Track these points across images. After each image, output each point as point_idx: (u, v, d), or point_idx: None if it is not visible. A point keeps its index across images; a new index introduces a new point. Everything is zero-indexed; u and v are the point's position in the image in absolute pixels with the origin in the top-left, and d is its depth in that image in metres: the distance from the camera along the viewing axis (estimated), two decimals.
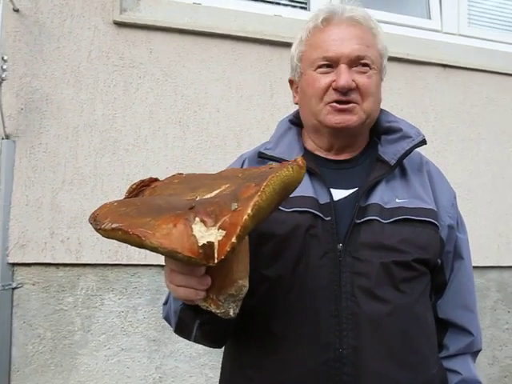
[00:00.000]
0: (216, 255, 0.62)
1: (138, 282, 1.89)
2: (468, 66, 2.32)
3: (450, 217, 1.04)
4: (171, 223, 0.63)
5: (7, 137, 1.73)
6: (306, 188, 0.97)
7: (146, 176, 1.90)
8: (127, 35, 1.87)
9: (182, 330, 0.96)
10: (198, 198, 0.73)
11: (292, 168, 0.71)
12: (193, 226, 0.63)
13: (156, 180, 0.90)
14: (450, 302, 1.05)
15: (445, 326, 1.05)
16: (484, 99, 2.36)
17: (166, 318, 1.03)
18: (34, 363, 1.78)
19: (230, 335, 1.00)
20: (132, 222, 0.65)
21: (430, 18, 2.48)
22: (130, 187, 0.87)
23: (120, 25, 1.86)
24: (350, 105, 0.98)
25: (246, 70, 2.01)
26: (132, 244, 0.65)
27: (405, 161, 1.04)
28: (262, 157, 1.04)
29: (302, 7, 2.32)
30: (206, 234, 0.63)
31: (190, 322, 0.90)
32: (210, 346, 1.05)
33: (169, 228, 0.63)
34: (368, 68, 1.00)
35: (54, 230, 1.78)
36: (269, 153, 1.04)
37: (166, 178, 0.89)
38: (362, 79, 0.98)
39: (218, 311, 0.76)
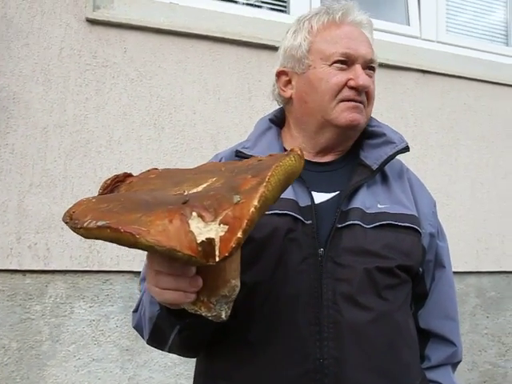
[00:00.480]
0: (218, 253, 0.57)
1: (110, 289, 1.82)
2: (446, 72, 2.33)
3: (430, 225, 1.02)
4: (166, 218, 0.58)
5: None
6: (286, 190, 0.94)
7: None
8: (100, 33, 1.81)
9: (156, 338, 0.90)
10: (185, 193, 0.67)
11: (294, 157, 0.68)
12: (189, 221, 0.58)
13: (130, 175, 0.84)
14: (432, 311, 1.03)
15: (426, 337, 1.03)
16: (462, 105, 2.37)
17: (137, 327, 0.97)
18: None
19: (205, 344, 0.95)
20: (120, 219, 0.59)
21: (408, 25, 2.48)
22: (104, 183, 0.80)
23: (93, 22, 1.80)
24: (361, 105, 0.97)
25: (224, 71, 1.97)
26: (122, 243, 0.59)
27: (386, 167, 1.02)
28: (239, 156, 1.00)
29: (281, 10, 2.29)
30: (205, 229, 0.57)
31: (168, 328, 0.85)
32: (185, 356, 1.00)
33: (164, 224, 0.57)
34: (373, 72, 1.01)
35: (21, 235, 1.70)
36: (247, 152, 1.00)
37: (141, 173, 0.83)
38: (371, 83, 0.99)
39: (209, 314, 0.70)
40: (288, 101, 1.05)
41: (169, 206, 0.61)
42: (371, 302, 0.88)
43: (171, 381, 1.86)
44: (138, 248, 0.59)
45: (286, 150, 1.03)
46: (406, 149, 1.02)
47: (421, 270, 1.00)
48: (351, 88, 0.95)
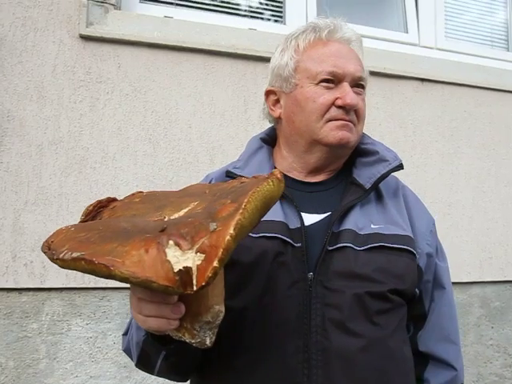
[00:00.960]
0: (195, 282, 0.56)
1: (107, 306, 1.80)
2: (446, 80, 2.30)
3: (428, 244, 0.99)
4: (142, 248, 0.57)
5: None
6: (275, 212, 0.91)
7: (114, 195, 1.82)
8: (94, 49, 1.81)
9: (144, 362, 0.89)
10: (166, 219, 0.66)
11: (272, 182, 0.66)
12: (166, 250, 0.57)
13: (114, 200, 0.83)
14: (431, 334, 1.00)
15: (426, 359, 1.00)
16: (463, 113, 2.33)
17: (126, 350, 0.95)
18: None
19: (195, 369, 0.93)
20: (96, 250, 0.58)
21: (407, 32, 2.46)
22: (86, 209, 0.79)
23: (86, 38, 1.80)
24: (351, 124, 0.95)
25: (219, 84, 1.96)
26: (98, 275, 0.58)
27: (381, 185, 1.00)
28: (230, 176, 0.99)
29: (276, 21, 2.28)
30: (182, 258, 0.56)
31: (155, 353, 0.84)
32: (175, 380, 0.98)
33: (140, 254, 0.56)
34: (363, 90, 0.99)
35: (17, 253, 1.69)
36: (238, 172, 0.99)
37: (126, 197, 0.83)
38: (360, 101, 0.97)
39: (193, 341, 0.69)
40: (278, 120, 1.04)
41: (146, 235, 0.59)
42: (362, 329, 0.86)
43: None
44: (114, 279, 0.57)
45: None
46: (400, 167, 1.00)
47: (417, 291, 0.98)
48: (339, 107, 0.94)
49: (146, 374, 1.80)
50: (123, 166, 1.82)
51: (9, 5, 1.74)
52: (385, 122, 2.19)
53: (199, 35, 1.93)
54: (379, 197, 1.00)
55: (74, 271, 1.80)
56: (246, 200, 0.60)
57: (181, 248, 0.57)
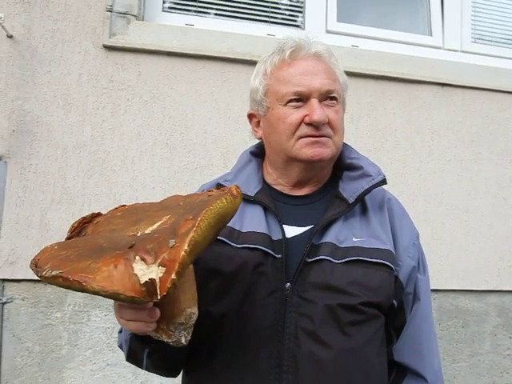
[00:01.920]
0: (159, 291, 0.63)
1: None
2: (468, 85, 2.26)
3: (410, 257, 1.02)
4: (112, 264, 0.65)
5: None
6: (259, 223, 0.97)
7: (133, 196, 1.93)
8: (116, 58, 1.92)
9: (133, 358, 0.97)
10: (139, 234, 0.74)
11: (226, 199, 0.72)
12: (133, 264, 0.64)
13: (99, 215, 0.91)
14: (405, 345, 1.03)
15: (403, 371, 1.02)
16: (485, 118, 2.29)
17: (120, 347, 1.04)
18: (23, 375, 1.85)
19: (183, 365, 1.01)
20: (73, 268, 0.67)
21: (431, 35, 2.42)
22: (72, 226, 0.89)
23: (109, 48, 1.91)
24: (324, 138, 0.97)
25: (234, 91, 2.03)
26: (74, 289, 0.67)
27: (366, 198, 1.03)
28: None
29: (297, 25, 2.31)
30: (147, 271, 0.64)
31: (140, 351, 0.92)
32: (164, 375, 1.05)
33: (109, 270, 0.64)
34: (335, 102, 1.00)
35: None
36: (227, 185, 1.04)
37: (109, 212, 0.90)
38: (332, 114, 0.98)
39: (169, 340, 0.78)
40: (261, 140, 1.09)
41: (116, 251, 0.67)
42: (332, 339, 0.89)
43: None
44: (88, 293, 0.66)
45: (265, 182, 1.07)
46: (383, 182, 1.02)
47: (396, 302, 1.00)
48: (308, 124, 0.96)
49: None
50: (141, 169, 1.93)
51: (40, 18, 1.88)
52: (401, 128, 2.19)
53: (216, 43, 2.01)
54: (364, 210, 1.03)
55: None
56: (199, 218, 0.67)
57: (146, 262, 0.64)
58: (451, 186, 2.22)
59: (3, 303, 1.83)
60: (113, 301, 2.09)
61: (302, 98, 0.97)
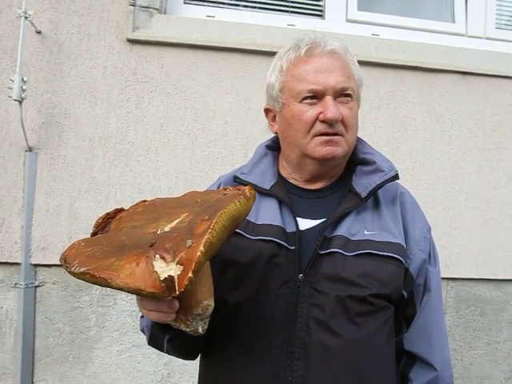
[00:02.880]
0: (177, 287, 0.69)
1: None
2: (490, 73, 2.23)
3: (421, 250, 1.04)
4: (134, 262, 0.71)
5: (30, 149, 1.89)
6: (273, 216, 1.01)
7: (156, 186, 2.00)
8: (139, 52, 1.97)
9: (154, 343, 1.03)
10: (158, 231, 0.80)
11: (239, 202, 0.77)
12: (154, 262, 0.70)
13: (121, 210, 0.97)
14: (415, 335, 1.06)
15: (412, 359, 1.06)
16: (507, 107, 2.26)
17: (142, 331, 1.09)
18: (55, 354, 1.96)
19: (201, 350, 1.07)
20: (98, 265, 0.73)
21: (453, 22, 2.39)
22: (97, 222, 0.95)
23: (133, 42, 1.96)
24: (336, 137, 0.99)
25: (255, 82, 2.06)
26: (99, 285, 0.73)
27: (379, 192, 1.05)
28: (237, 181, 1.08)
29: (317, 15, 2.32)
30: (167, 268, 0.70)
31: (161, 336, 0.97)
32: (183, 358, 1.10)
33: (132, 268, 0.70)
34: (350, 99, 1.01)
35: (72, 235, 1.93)
36: (243, 178, 1.08)
37: (131, 207, 0.96)
38: (346, 111, 1.00)
39: (187, 329, 0.85)
40: (277, 134, 1.12)
41: (138, 250, 0.74)
42: (342, 328, 0.93)
43: None
44: (112, 288, 0.72)
45: (280, 175, 1.10)
46: (395, 177, 1.04)
47: (405, 294, 1.03)
48: (322, 121, 0.98)
49: None
50: (164, 159, 1.99)
51: (66, 14, 1.94)
52: (421, 117, 2.18)
53: (237, 35, 2.03)
54: (376, 204, 1.05)
55: None
56: (214, 221, 0.72)
57: (165, 260, 0.70)
58: (471, 175, 2.22)
59: (36, 287, 1.93)
60: None
61: (316, 96, 0.99)
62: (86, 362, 1.97)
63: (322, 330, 0.93)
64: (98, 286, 1.97)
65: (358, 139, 1.11)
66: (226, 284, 0.99)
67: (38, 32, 1.90)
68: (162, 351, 1.03)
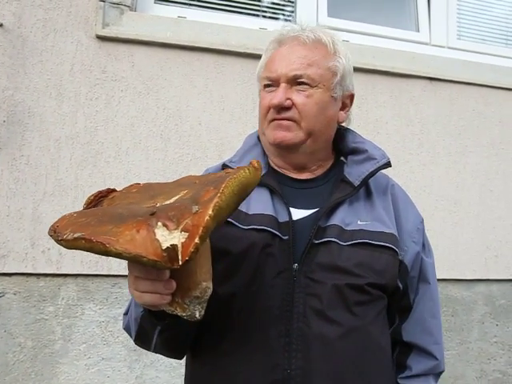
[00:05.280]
0: (180, 257, 0.64)
1: (118, 293, 1.91)
2: (455, 79, 2.31)
3: (414, 242, 1.04)
4: (134, 229, 0.65)
5: None
6: (265, 206, 0.98)
7: None
8: (109, 49, 1.90)
9: (142, 338, 0.97)
10: (158, 205, 0.74)
11: (248, 170, 0.74)
12: (155, 230, 0.65)
13: (114, 190, 0.91)
14: (414, 326, 1.06)
15: (409, 348, 1.06)
16: (471, 112, 2.35)
17: (126, 328, 1.03)
18: (15, 371, 1.81)
19: (189, 348, 1.01)
20: (94, 231, 0.67)
21: (418, 31, 2.48)
22: (88, 198, 0.88)
23: (102, 39, 1.89)
24: (285, 121, 0.99)
25: (229, 83, 2.03)
26: (96, 252, 0.67)
27: (371, 183, 1.04)
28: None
29: (287, 20, 2.33)
30: (169, 237, 0.64)
31: (151, 328, 0.91)
32: (170, 357, 1.05)
33: (132, 234, 0.65)
34: (307, 86, 0.99)
35: (35, 241, 1.81)
36: (233, 166, 1.05)
37: (124, 188, 0.90)
38: (299, 98, 0.99)
39: (184, 314, 0.77)
40: None
41: (138, 218, 0.68)
42: (341, 317, 0.91)
43: (177, 381, 1.93)
44: (110, 255, 0.66)
45: (270, 166, 1.07)
46: (388, 164, 1.04)
47: (401, 285, 1.03)
48: (273, 108, 1.00)
49: (155, 357, 1.92)
50: (135, 161, 1.91)
51: (31, 7, 1.84)
52: (392, 121, 2.23)
53: (210, 35, 2.01)
54: (368, 194, 1.05)
55: (88, 259, 1.89)
56: (223, 185, 0.68)
57: (168, 228, 0.65)
58: (440, 178, 2.28)
59: None
60: (107, 293, 2.06)
61: (273, 84, 1.01)
62: (50, 378, 1.83)
63: (320, 319, 0.91)
64: (63, 295, 1.85)
65: (349, 130, 1.12)
66: (218, 275, 0.94)
67: (0, 25, 1.80)
68: (149, 348, 0.97)
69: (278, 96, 0.98)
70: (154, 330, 0.91)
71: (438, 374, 1.08)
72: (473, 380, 2.31)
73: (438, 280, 2.19)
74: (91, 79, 1.89)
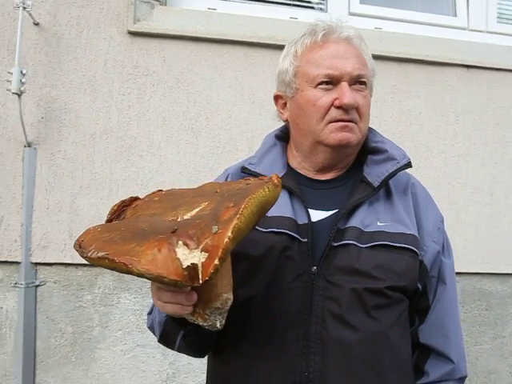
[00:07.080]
0: (201, 276, 0.65)
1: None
2: (494, 66, 2.22)
3: (434, 242, 1.02)
4: (155, 248, 0.66)
5: (29, 145, 1.84)
6: (284, 208, 0.98)
7: (159, 181, 1.96)
8: (141, 44, 1.93)
9: (165, 340, 0.99)
10: (179, 219, 0.76)
11: (268, 188, 0.74)
12: (176, 249, 0.66)
13: (137, 199, 0.92)
14: (431, 328, 1.04)
15: (427, 352, 1.04)
16: (510, 100, 2.25)
17: (151, 328, 1.06)
18: (57, 355, 1.91)
19: (211, 348, 1.03)
20: (117, 250, 0.68)
21: (455, 16, 2.38)
22: (112, 208, 0.90)
23: (134, 34, 1.92)
24: (351, 123, 0.97)
25: (259, 75, 2.02)
26: (118, 271, 0.69)
27: (391, 182, 1.02)
28: (245, 172, 1.05)
29: (320, 8, 2.29)
30: (190, 256, 0.65)
31: (174, 333, 0.94)
32: (193, 356, 1.07)
33: (153, 253, 0.66)
34: (364, 87, 1.00)
35: (73, 233, 1.88)
36: (252, 168, 1.05)
37: (147, 196, 0.92)
38: (360, 99, 0.98)
39: (205, 324, 0.80)
40: (287, 122, 1.09)
41: (159, 236, 0.69)
42: (359, 322, 0.91)
43: None
44: (132, 275, 0.68)
45: (289, 166, 1.06)
46: (408, 165, 1.02)
47: (420, 286, 1.01)
48: (338, 107, 0.96)
49: None
50: (167, 154, 1.95)
51: (65, 5, 1.88)
52: (425, 111, 2.17)
53: (240, 27, 2.00)
54: (388, 194, 1.03)
55: None
56: (243, 206, 0.68)
57: (188, 247, 0.66)
58: (475, 169, 2.21)
59: (36, 286, 1.88)
60: (141, 283, 2.12)
61: (332, 81, 0.97)
62: (88, 362, 1.92)
63: (339, 323, 0.90)
64: (100, 284, 1.92)
65: (369, 128, 1.09)
66: (237, 278, 0.95)
67: (36, 24, 1.85)
68: (173, 348, 1.00)
69: (350, 95, 0.95)
70: (177, 335, 0.94)
71: (459, 380, 1.05)
72: (507, 375, 2.27)
73: (472, 274, 2.18)
74: (123, 75, 1.92)
